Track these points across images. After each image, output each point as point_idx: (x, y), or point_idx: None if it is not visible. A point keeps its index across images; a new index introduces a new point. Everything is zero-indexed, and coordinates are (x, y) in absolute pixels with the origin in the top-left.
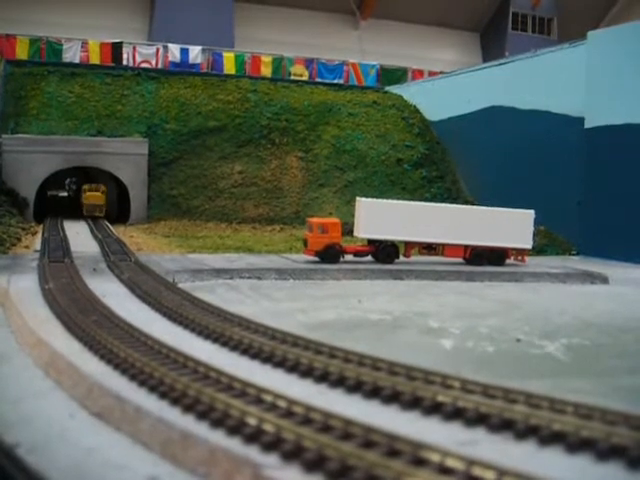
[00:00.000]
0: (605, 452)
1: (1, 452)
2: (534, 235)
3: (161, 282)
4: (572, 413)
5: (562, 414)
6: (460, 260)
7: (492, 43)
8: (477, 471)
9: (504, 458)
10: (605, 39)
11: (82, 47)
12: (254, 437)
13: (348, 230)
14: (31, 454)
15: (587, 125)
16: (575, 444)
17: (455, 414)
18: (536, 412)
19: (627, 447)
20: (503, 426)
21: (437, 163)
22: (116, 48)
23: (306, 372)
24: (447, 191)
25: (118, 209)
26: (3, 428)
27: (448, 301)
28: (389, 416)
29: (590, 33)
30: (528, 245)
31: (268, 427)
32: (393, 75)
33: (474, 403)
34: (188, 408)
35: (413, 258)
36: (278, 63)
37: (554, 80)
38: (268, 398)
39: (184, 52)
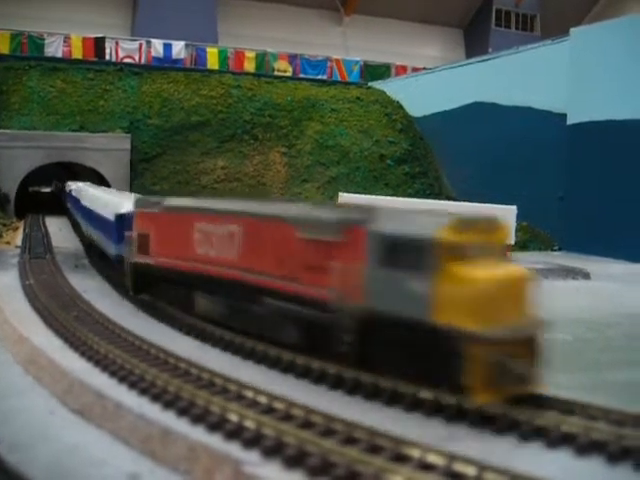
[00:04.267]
0: (585, 447)
1: None
2: (516, 231)
3: None
4: (554, 408)
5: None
6: None
7: (475, 39)
8: (458, 467)
9: (485, 454)
10: (588, 35)
11: (64, 42)
12: (235, 433)
13: None
14: (12, 452)
15: (569, 121)
16: (556, 439)
17: (436, 410)
18: (517, 408)
19: (607, 442)
20: (484, 422)
21: (420, 159)
22: (99, 43)
23: (287, 368)
24: (430, 187)
25: None
26: None
27: None
28: (371, 413)
29: (573, 29)
30: (510, 241)
31: (249, 423)
32: (376, 71)
33: (456, 399)
34: (168, 404)
35: None
36: (262, 59)
37: (537, 76)
38: (249, 394)
39: (167, 47)
